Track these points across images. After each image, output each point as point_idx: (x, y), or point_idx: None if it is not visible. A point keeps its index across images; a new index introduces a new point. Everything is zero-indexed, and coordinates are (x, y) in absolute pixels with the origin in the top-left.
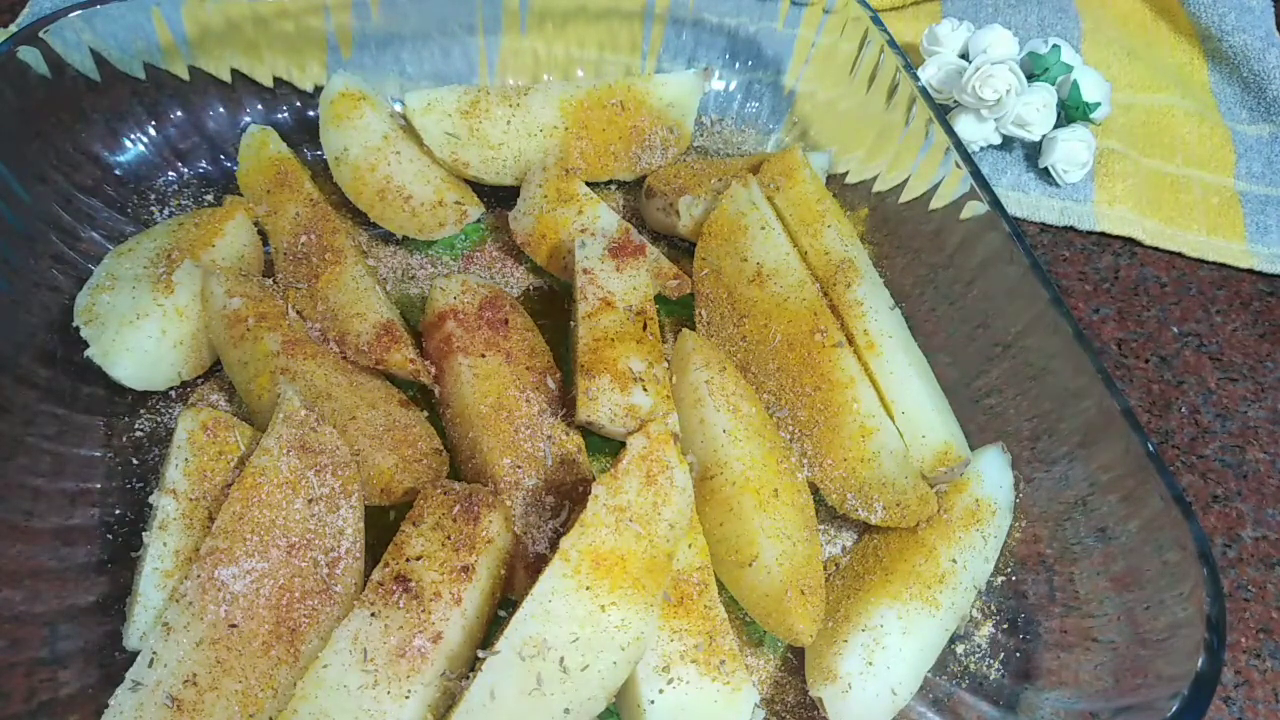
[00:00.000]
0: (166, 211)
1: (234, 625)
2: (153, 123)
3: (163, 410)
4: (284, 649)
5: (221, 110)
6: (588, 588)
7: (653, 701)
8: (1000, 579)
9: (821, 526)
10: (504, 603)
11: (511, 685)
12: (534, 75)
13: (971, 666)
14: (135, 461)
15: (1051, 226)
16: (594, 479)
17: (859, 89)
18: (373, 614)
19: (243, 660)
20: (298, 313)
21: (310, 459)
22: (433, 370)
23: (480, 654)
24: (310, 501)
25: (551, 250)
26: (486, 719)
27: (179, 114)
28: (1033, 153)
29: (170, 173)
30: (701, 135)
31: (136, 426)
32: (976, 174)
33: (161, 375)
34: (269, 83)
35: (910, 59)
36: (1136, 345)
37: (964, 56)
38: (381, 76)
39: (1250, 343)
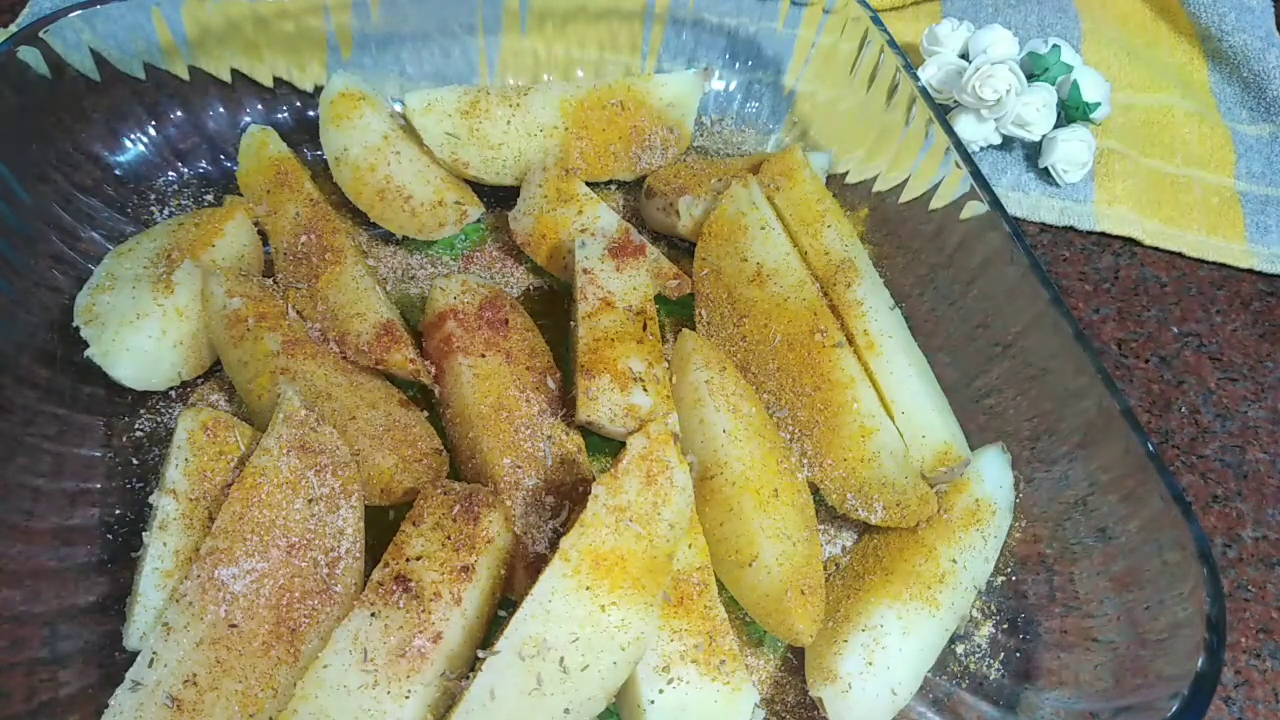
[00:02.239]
0: (166, 211)
1: (234, 625)
2: (153, 123)
3: (163, 410)
4: (284, 649)
5: (221, 110)
6: (588, 588)
7: (653, 701)
8: (1000, 579)
9: (821, 526)
10: (504, 603)
11: (511, 685)
12: (534, 75)
13: (971, 666)
14: (135, 461)
15: (1051, 226)
16: (594, 479)
17: (859, 89)
18: (373, 614)
19: (243, 660)
20: (298, 313)
21: (310, 459)
22: (433, 370)
23: (480, 654)
24: (310, 501)
25: (551, 250)
26: (486, 719)
27: (179, 114)
28: (1033, 153)
29: (170, 173)
30: (701, 135)
31: (136, 426)
32: (976, 174)
33: (161, 375)
34: (269, 83)
35: (910, 59)
36: (1136, 345)
37: (964, 56)
38: (381, 76)
39: (1250, 343)
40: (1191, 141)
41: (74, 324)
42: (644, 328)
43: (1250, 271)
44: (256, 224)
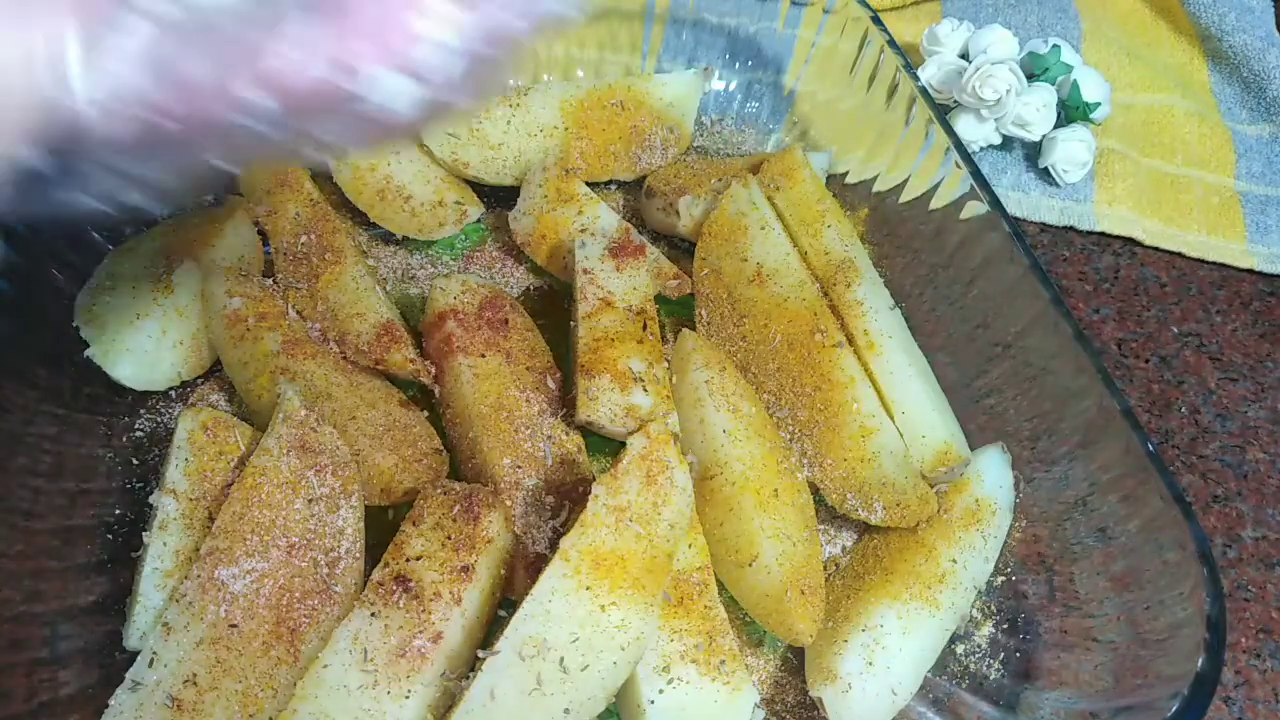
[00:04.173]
0: (166, 211)
1: (234, 625)
2: None
3: (163, 410)
4: (284, 649)
5: None
6: (588, 588)
7: (653, 701)
8: (1000, 579)
9: (821, 526)
10: (504, 603)
11: (511, 685)
12: (534, 75)
13: (971, 666)
14: (135, 461)
15: (1051, 226)
16: (594, 479)
17: (859, 89)
18: (373, 614)
19: (243, 660)
20: (298, 313)
21: (310, 459)
22: (433, 370)
23: (480, 654)
24: (310, 501)
25: (551, 250)
26: (486, 719)
27: None
28: (1033, 153)
29: None
30: (701, 135)
31: (136, 426)
32: (976, 174)
33: (161, 375)
34: None
35: (910, 59)
36: (1136, 345)
37: (964, 56)
38: None
39: (1250, 343)
40: (1191, 141)
41: (74, 324)
42: (644, 328)
43: (1250, 271)
44: (256, 224)
